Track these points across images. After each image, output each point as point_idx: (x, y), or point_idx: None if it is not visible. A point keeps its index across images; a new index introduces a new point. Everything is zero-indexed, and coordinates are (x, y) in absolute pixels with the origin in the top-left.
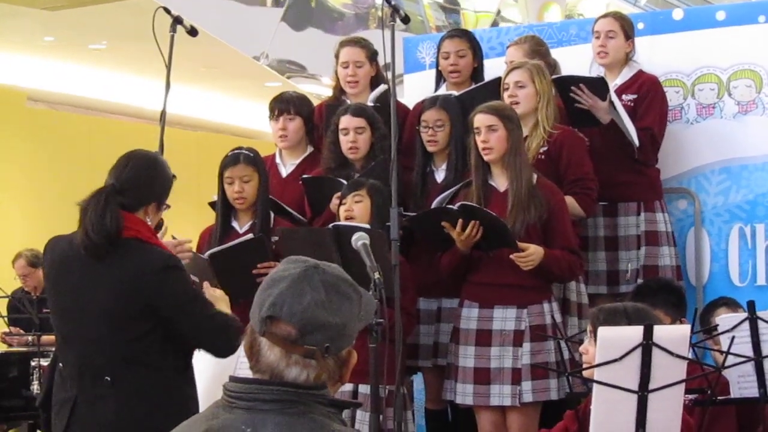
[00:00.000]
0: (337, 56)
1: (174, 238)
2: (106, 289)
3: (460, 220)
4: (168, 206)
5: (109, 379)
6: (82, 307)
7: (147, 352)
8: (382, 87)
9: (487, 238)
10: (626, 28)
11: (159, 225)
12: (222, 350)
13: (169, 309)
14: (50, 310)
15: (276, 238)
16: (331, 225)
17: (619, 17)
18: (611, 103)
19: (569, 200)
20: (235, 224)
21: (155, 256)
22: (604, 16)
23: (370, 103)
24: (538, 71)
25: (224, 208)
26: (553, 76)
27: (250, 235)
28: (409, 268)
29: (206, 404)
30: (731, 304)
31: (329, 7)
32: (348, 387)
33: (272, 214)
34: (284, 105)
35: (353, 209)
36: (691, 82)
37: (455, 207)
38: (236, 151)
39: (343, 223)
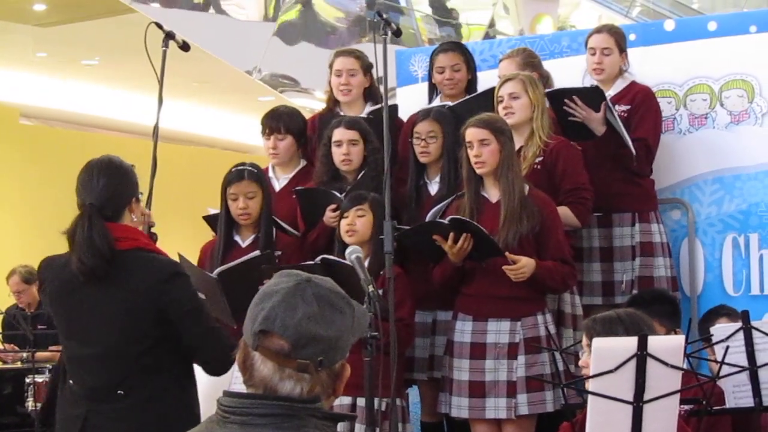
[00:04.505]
0: (331, 66)
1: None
2: (117, 304)
3: (452, 233)
4: (141, 193)
5: (122, 392)
6: (91, 328)
7: (160, 359)
8: (380, 105)
9: (479, 249)
10: (620, 42)
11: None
12: (214, 367)
13: (177, 315)
14: (58, 333)
15: (280, 252)
16: (319, 258)
17: (613, 32)
18: (609, 109)
19: (564, 210)
20: (237, 238)
21: (163, 264)
22: (598, 31)
23: (364, 116)
24: (530, 81)
25: (227, 222)
26: (546, 90)
27: (257, 252)
28: (407, 280)
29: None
30: (732, 314)
31: (321, 21)
32: (346, 400)
33: (275, 229)
34: (275, 123)
35: (356, 223)
36: (683, 92)
37: (446, 221)
38: (240, 167)
39: (332, 257)
